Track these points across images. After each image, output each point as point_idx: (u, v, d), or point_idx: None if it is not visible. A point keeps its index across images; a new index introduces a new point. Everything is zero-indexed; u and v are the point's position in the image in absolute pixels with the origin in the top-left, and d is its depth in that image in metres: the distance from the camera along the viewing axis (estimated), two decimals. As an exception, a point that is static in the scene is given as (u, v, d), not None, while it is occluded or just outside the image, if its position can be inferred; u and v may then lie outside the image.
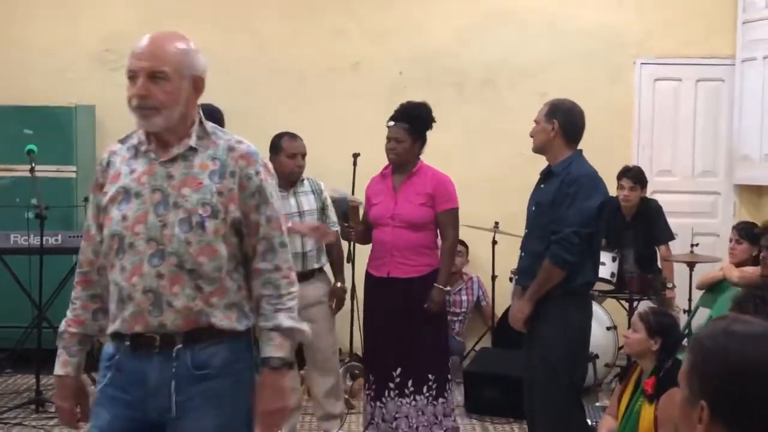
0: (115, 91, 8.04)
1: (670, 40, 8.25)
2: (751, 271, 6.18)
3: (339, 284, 5.82)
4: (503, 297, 7.71)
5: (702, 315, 6.40)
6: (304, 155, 5.72)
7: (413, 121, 5.59)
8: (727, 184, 8.30)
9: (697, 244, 7.10)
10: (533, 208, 4.95)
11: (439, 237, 5.64)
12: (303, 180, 5.76)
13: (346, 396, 6.31)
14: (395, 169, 5.66)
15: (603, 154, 7.97)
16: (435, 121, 5.66)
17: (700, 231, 7.69)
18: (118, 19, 8.35)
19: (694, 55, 8.25)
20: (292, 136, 5.74)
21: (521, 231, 7.44)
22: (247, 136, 8.22)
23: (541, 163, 7.93)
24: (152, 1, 8.43)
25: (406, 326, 5.49)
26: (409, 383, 5.53)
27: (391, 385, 5.54)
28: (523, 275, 4.95)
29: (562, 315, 4.69)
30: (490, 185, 8.01)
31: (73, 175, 7.77)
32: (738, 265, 6.35)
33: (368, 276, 5.68)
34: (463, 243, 7.87)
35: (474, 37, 8.31)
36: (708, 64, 8.27)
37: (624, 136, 8.29)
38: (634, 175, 7.31)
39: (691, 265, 7.00)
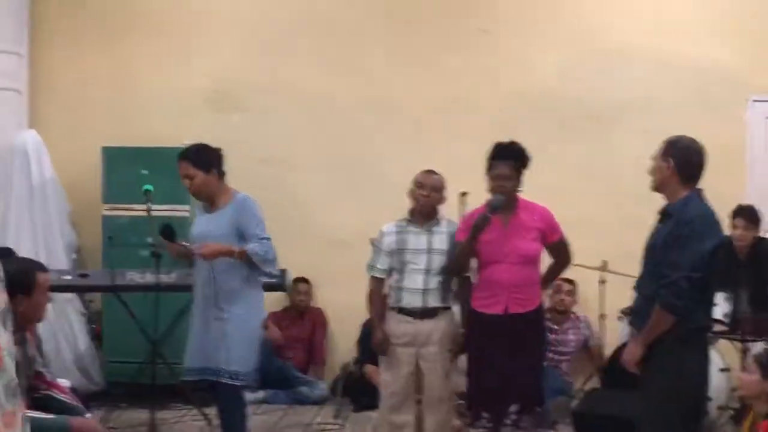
0: (223, 131, 8.42)
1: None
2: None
3: (462, 330, 5.87)
4: (612, 337, 7.66)
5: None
6: (436, 188, 5.85)
7: (518, 159, 5.68)
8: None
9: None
10: (648, 249, 4.88)
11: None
12: (440, 219, 5.86)
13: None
14: None
15: (715, 193, 7.84)
16: (530, 160, 5.74)
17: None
18: (229, 63, 8.56)
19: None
20: (428, 171, 5.90)
21: (630, 270, 7.45)
22: (357, 177, 8.40)
23: (651, 200, 7.93)
24: (261, 45, 8.61)
25: (523, 360, 5.53)
26: (525, 419, 5.59)
27: (507, 422, 5.59)
28: (636, 316, 4.89)
29: (674, 361, 4.59)
30: (596, 223, 7.94)
31: (187, 214, 7.94)
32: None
33: (477, 314, 5.69)
34: (571, 281, 7.83)
35: (579, 75, 8.28)
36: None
37: (736, 175, 8.13)
38: (747, 215, 7.18)
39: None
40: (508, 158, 5.66)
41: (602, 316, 7.60)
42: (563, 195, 7.58)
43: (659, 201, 8.06)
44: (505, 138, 7.84)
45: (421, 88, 8.42)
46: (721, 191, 7.44)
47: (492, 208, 5.56)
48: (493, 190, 5.65)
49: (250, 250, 5.57)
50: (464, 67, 8.39)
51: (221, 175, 5.85)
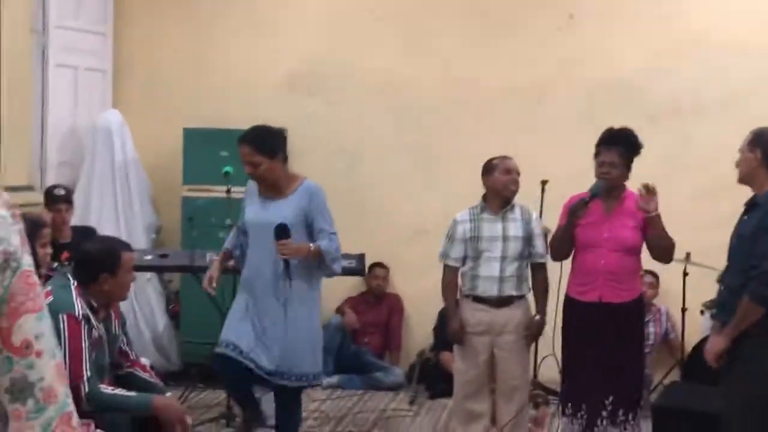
0: (304, 114, 8.42)
1: None
2: None
3: (538, 317, 5.80)
4: (693, 330, 7.51)
5: None
6: (518, 173, 5.76)
7: (628, 146, 5.58)
8: None
9: None
10: (735, 240, 4.77)
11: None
12: (514, 206, 5.80)
13: (530, 425, 6.25)
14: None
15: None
16: (642, 147, 5.61)
17: None
18: (310, 45, 8.56)
19: None
20: (505, 156, 5.81)
21: (713, 263, 7.31)
22: (434, 163, 8.33)
23: (734, 193, 7.74)
24: (342, 28, 8.61)
25: (619, 352, 5.46)
26: (620, 412, 5.50)
27: (604, 413, 5.50)
28: (721, 310, 4.79)
29: (761, 355, 4.49)
30: (681, 216, 7.73)
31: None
32: None
33: (572, 302, 5.61)
34: (653, 273, 7.69)
35: (665, 65, 8.12)
36: None
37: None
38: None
39: None
40: (617, 145, 5.56)
41: (684, 309, 7.45)
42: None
43: (743, 194, 7.88)
44: (584, 127, 7.82)
45: (501, 73, 8.33)
46: None
47: (592, 194, 5.48)
48: (598, 176, 5.57)
49: (324, 249, 5.42)
50: (546, 53, 8.28)
51: (285, 159, 5.61)
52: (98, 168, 8.09)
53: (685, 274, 7.42)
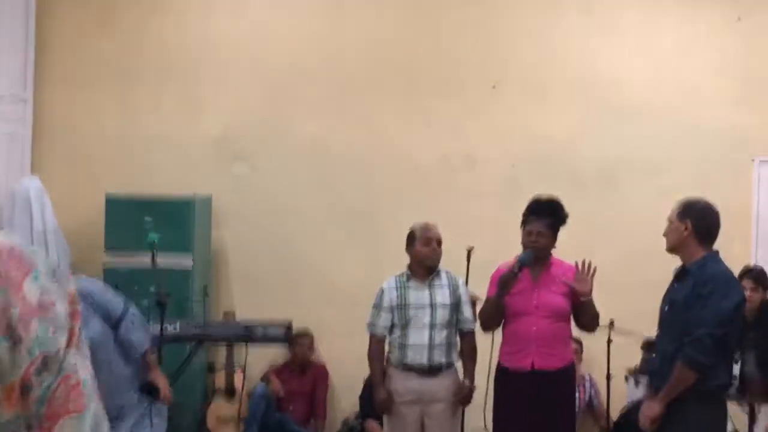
0: (230, 181, 8.37)
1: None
2: None
3: (467, 381, 5.79)
4: (618, 397, 7.57)
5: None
6: (439, 242, 5.79)
7: (555, 217, 5.67)
8: None
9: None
10: (666, 308, 4.88)
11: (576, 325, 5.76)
12: (440, 272, 5.80)
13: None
14: None
15: (722, 254, 7.86)
16: (568, 217, 5.73)
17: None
18: (236, 111, 8.54)
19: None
20: (426, 225, 5.82)
21: (636, 328, 7.42)
22: (361, 230, 8.34)
23: (657, 260, 7.88)
24: (269, 94, 8.58)
25: (552, 420, 5.48)
26: None
27: None
28: (654, 376, 4.89)
29: (695, 418, 4.57)
30: (606, 282, 7.84)
31: (190, 264, 7.88)
32: None
33: (504, 371, 5.61)
34: (577, 340, 7.75)
35: (590, 134, 8.28)
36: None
37: (743, 236, 8.10)
38: (755, 276, 7.13)
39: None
40: (545, 215, 5.63)
41: (609, 376, 7.49)
42: (572, 252, 7.51)
43: (669, 261, 7.99)
44: (511, 194, 7.93)
45: (430, 140, 8.41)
46: (727, 252, 7.48)
47: (520, 263, 5.52)
48: (525, 245, 5.61)
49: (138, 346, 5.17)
50: (473, 123, 8.38)
51: None
52: (17, 235, 7.88)
53: (609, 341, 7.48)
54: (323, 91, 8.50)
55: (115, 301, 5.08)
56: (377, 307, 5.86)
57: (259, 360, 8.11)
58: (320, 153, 8.46)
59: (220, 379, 8.15)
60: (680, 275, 4.85)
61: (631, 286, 7.78)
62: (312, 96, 8.50)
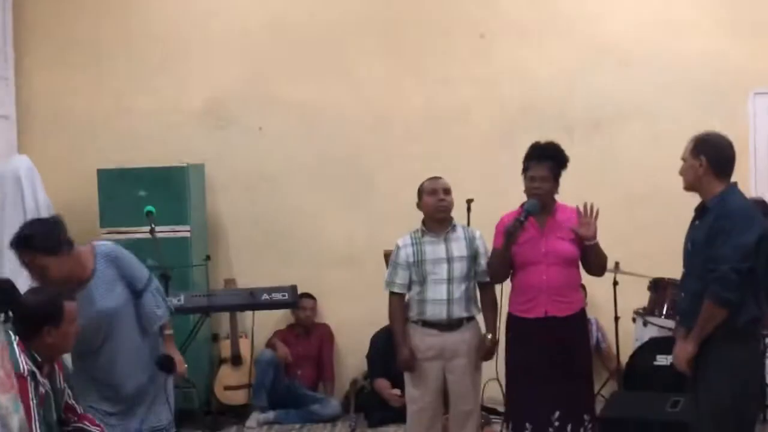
0: (219, 147, 8.27)
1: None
2: None
3: (489, 336, 5.73)
4: (626, 338, 7.54)
5: None
6: (448, 191, 5.74)
7: (556, 160, 5.57)
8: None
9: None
10: (689, 247, 4.80)
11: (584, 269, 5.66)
12: (455, 226, 5.75)
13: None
14: None
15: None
16: (569, 161, 5.62)
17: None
18: (221, 79, 8.43)
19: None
20: (434, 177, 5.79)
21: (642, 270, 7.39)
22: (356, 190, 8.29)
23: (657, 201, 7.86)
24: (253, 60, 8.48)
25: (566, 366, 5.40)
26: (569, 427, 5.43)
27: (551, 430, 5.42)
28: (684, 316, 4.80)
29: (729, 356, 4.52)
30: (607, 226, 7.80)
31: (188, 234, 7.80)
32: None
33: (517, 320, 5.55)
34: (581, 285, 7.71)
35: (581, 78, 8.18)
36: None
37: (740, 169, 8.00)
38: (759, 208, 7.09)
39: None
40: (546, 159, 5.54)
41: (617, 318, 7.47)
42: (573, 201, 7.47)
43: (667, 202, 8.03)
44: (505, 144, 7.87)
45: (421, 95, 8.32)
46: None
47: (526, 212, 5.43)
48: (529, 191, 5.53)
49: (160, 319, 5.01)
50: (462, 74, 8.28)
51: (71, 245, 4.68)
52: (8, 216, 7.76)
53: (615, 283, 7.44)
54: (309, 53, 8.38)
55: (140, 269, 4.95)
56: (394, 264, 5.78)
57: (264, 326, 8.09)
58: (313, 115, 8.37)
59: (225, 348, 8.09)
60: (701, 212, 4.77)
61: (633, 229, 7.77)
62: (297, 58, 8.39)
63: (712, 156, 4.69)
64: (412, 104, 8.32)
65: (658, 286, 7.35)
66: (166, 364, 4.92)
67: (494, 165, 7.93)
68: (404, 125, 8.32)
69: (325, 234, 8.34)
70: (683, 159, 4.82)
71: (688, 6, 8.17)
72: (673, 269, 7.15)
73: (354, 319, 8.02)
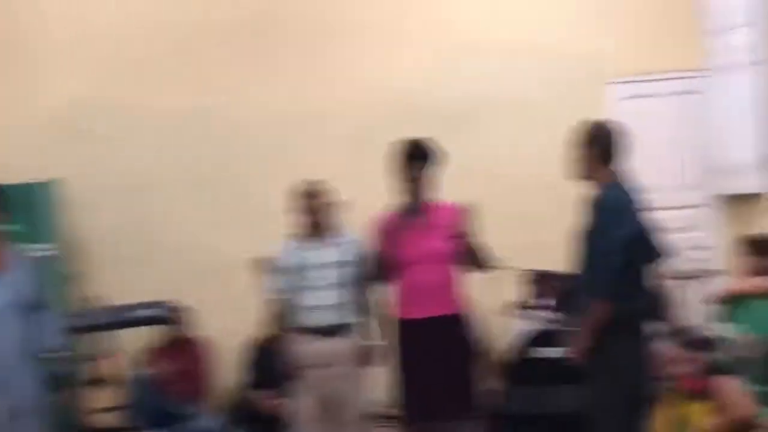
0: (81, 158, 7.95)
1: (641, 58, 8.19)
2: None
3: (369, 340, 5.64)
4: (507, 332, 7.55)
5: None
6: (325, 194, 5.64)
7: (432, 157, 5.50)
8: (707, 195, 8.23)
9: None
10: (577, 238, 4.79)
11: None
12: (335, 230, 5.72)
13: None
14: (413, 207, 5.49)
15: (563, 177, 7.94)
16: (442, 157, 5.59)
17: (689, 245, 7.62)
18: (80, 89, 8.13)
19: (665, 69, 8.21)
20: (310, 181, 5.73)
21: (514, 263, 7.40)
22: (223, 194, 8.03)
23: (528, 194, 7.93)
24: (114, 65, 8.25)
25: (452, 365, 5.37)
26: (458, 426, 5.41)
27: (440, 429, 5.37)
28: (579, 308, 4.79)
29: (613, 348, 4.53)
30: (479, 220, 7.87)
31: (51, 253, 7.49)
32: (752, 277, 6.32)
33: (400, 322, 5.47)
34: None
35: (444, 73, 8.21)
36: (677, 78, 8.25)
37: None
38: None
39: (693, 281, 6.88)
40: (420, 158, 5.46)
41: (496, 313, 7.46)
42: (444, 196, 7.49)
43: (538, 194, 8.12)
44: (372, 143, 7.79)
45: (286, 96, 8.21)
46: None
47: (406, 212, 5.36)
48: (405, 192, 5.44)
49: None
50: (325, 75, 8.24)
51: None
52: None
53: (494, 277, 7.42)
54: (170, 60, 8.22)
55: (41, 285, 4.86)
56: (275, 270, 5.65)
57: (136, 342, 7.83)
58: (180, 123, 8.17)
59: (97, 368, 7.79)
60: (586, 204, 4.78)
61: (504, 221, 7.71)
62: (158, 64, 8.20)
63: (600, 145, 4.69)
64: (277, 108, 8.20)
65: (538, 278, 7.38)
66: (52, 384, 4.68)
67: (364, 165, 7.83)
68: (270, 129, 8.21)
69: (196, 245, 8.14)
70: (571, 149, 4.81)
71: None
72: (552, 261, 7.29)
73: (229, 330, 7.83)
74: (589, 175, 4.74)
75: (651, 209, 4.84)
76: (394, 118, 7.98)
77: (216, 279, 8.03)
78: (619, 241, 4.48)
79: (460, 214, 5.47)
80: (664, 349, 4.91)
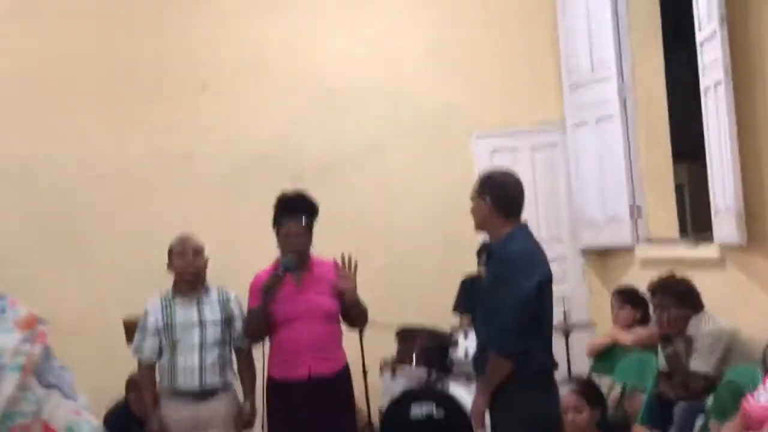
0: None
1: (503, 111, 8.25)
2: (642, 332, 6.19)
3: (247, 403, 5.34)
4: (375, 390, 7.33)
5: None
6: (198, 251, 5.32)
7: (310, 212, 5.30)
8: (573, 248, 8.27)
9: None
10: (479, 293, 4.63)
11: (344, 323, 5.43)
12: (209, 288, 5.36)
13: None
14: None
15: (450, 230, 7.87)
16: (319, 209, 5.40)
17: (558, 298, 7.59)
18: None
19: (527, 123, 8.27)
20: (181, 236, 5.41)
21: (386, 318, 7.22)
22: (77, 249, 7.57)
23: (387, 243, 7.80)
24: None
25: (332, 428, 5.15)
26: None
27: None
28: (476, 364, 4.63)
29: (521, 406, 4.33)
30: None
31: None
32: (625, 329, 6.34)
33: (278, 383, 5.21)
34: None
35: (310, 122, 8.08)
36: (541, 131, 8.33)
37: (465, 210, 8.13)
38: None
39: (566, 334, 6.82)
40: (299, 212, 5.23)
41: (365, 372, 7.23)
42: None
43: (401, 245, 7.99)
44: (234, 191, 7.58)
45: (145, 142, 7.86)
46: (456, 228, 7.61)
47: (284, 267, 5.11)
48: (284, 248, 5.20)
49: None
50: (186, 124, 7.94)
51: None
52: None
53: (361, 333, 7.22)
54: (19, 106, 7.72)
55: None
56: (142, 330, 5.31)
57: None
58: (24, 174, 7.66)
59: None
60: (487, 256, 4.63)
61: (369, 274, 7.51)
62: (6, 112, 7.68)
63: (496, 195, 4.53)
64: (135, 156, 7.85)
65: (405, 334, 7.17)
66: None
67: (228, 216, 7.63)
68: (127, 179, 7.83)
69: (44, 302, 7.58)
70: (471, 198, 4.66)
71: (415, 51, 8.26)
72: (418, 314, 7.14)
73: (84, 394, 7.34)
74: (487, 225, 4.58)
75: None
76: (261, 168, 7.81)
77: (68, 338, 7.44)
78: (524, 294, 4.32)
79: (338, 268, 5.25)
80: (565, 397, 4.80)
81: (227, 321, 5.34)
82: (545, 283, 4.43)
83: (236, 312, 5.37)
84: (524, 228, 4.57)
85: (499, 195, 4.53)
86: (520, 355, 4.29)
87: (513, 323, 4.27)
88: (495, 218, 4.51)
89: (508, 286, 4.31)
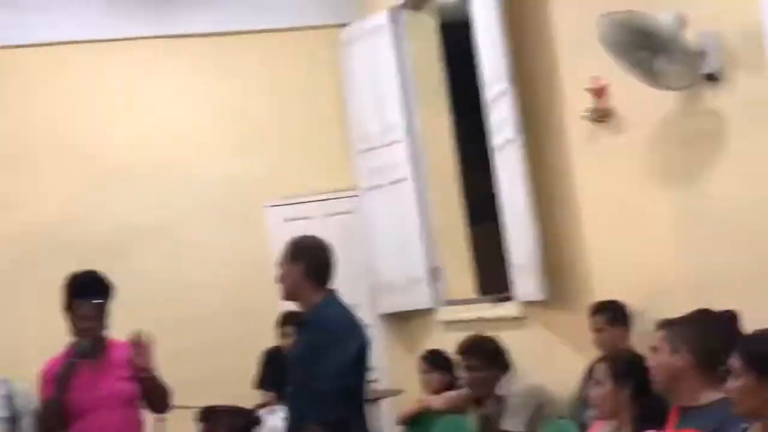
0: None
1: (295, 180, 8.15)
2: (453, 395, 6.15)
3: None
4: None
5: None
6: None
7: (102, 292, 4.97)
8: (374, 314, 8.17)
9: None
10: (292, 363, 4.43)
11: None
12: None
13: None
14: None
15: (248, 304, 7.66)
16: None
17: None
18: None
19: (320, 190, 8.19)
20: None
21: (181, 400, 6.92)
22: None
23: (194, 324, 7.53)
24: None
25: None
26: None
27: None
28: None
29: None
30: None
31: None
32: (434, 393, 6.28)
33: None
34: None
35: (95, 203, 7.71)
36: (334, 198, 8.26)
37: (263, 282, 7.96)
38: (293, 322, 6.97)
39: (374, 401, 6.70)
40: (93, 294, 4.89)
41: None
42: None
43: (201, 324, 7.74)
44: (19, 279, 7.16)
45: None
46: (251, 300, 7.44)
47: (79, 354, 4.75)
48: (77, 331, 4.84)
49: None
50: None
51: None
52: None
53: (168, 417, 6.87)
54: None
55: None
56: None
57: None
58: None
59: None
60: (300, 325, 4.45)
61: (172, 354, 7.29)
62: None
63: (309, 262, 4.39)
64: None
65: (207, 415, 6.86)
66: None
67: (14, 301, 7.15)
68: None
69: None
70: (280, 266, 4.48)
71: (198, 122, 8.07)
72: (223, 394, 6.86)
73: None
74: (298, 293, 4.42)
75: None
76: (43, 250, 7.42)
77: None
78: (345, 361, 4.19)
79: (132, 344, 4.93)
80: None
81: (12, 418, 4.93)
82: (364, 348, 4.32)
83: (24, 405, 4.97)
84: (336, 294, 4.46)
85: (314, 261, 4.41)
86: (341, 423, 4.14)
87: (334, 391, 4.15)
88: (307, 285, 4.38)
89: (328, 354, 4.19)
